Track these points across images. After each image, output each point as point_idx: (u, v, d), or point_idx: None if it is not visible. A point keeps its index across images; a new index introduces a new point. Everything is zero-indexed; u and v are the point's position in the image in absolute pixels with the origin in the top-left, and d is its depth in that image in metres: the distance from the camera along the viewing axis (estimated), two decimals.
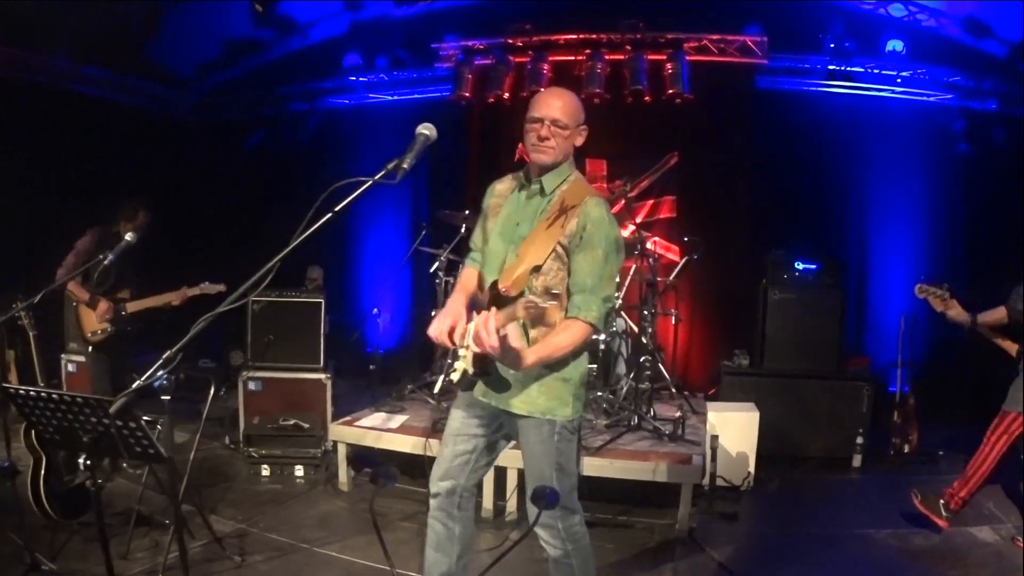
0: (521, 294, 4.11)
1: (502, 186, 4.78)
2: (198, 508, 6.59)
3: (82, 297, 8.03)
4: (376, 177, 3.45)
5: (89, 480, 4.38)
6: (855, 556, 7.12)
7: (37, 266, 8.09)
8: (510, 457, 7.44)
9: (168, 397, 3.47)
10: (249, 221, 13.29)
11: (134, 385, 3.43)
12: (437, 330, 4.30)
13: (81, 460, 4.37)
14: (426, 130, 3.60)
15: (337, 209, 3.39)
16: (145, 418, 4.06)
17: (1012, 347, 7.25)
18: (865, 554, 7.16)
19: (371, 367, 11.77)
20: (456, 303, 4.50)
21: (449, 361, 4.62)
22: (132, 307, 8.21)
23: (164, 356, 3.33)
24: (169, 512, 6.47)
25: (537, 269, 4.27)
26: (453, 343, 4.28)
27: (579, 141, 4.51)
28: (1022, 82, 12.04)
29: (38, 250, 9.33)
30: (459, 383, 4.40)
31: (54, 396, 4.12)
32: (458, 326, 4.29)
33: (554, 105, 4.36)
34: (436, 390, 4.81)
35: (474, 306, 4.51)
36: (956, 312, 7.11)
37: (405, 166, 3.47)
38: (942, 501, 7.36)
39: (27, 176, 11.22)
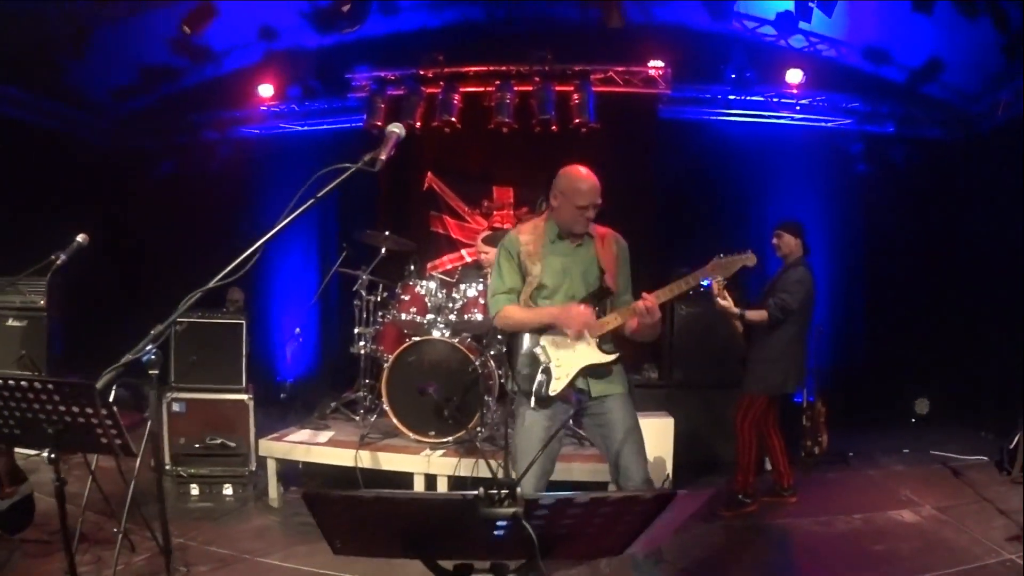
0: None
1: (526, 237, 5.72)
2: (145, 520, 6.37)
3: None
4: (357, 165, 3.68)
5: (54, 478, 4.29)
6: (781, 541, 7.76)
7: None
8: (441, 464, 7.85)
9: (156, 371, 3.54)
10: (159, 250, 13.30)
11: (123, 359, 3.40)
12: (585, 317, 5.41)
13: (45, 454, 4.35)
14: (397, 128, 3.89)
15: (320, 195, 3.53)
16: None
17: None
18: (791, 539, 7.76)
19: (282, 396, 11.82)
20: (562, 306, 5.52)
21: (542, 378, 5.31)
22: None
23: (152, 332, 3.38)
24: (109, 528, 6.40)
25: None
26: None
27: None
28: (919, 104, 12.92)
29: None
30: (559, 393, 5.46)
31: (22, 383, 3.98)
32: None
33: (595, 191, 5.50)
34: (533, 403, 5.45)
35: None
36: (728, 304, 8.03)
37: (383, 157, 3.74)
38: (739, 496, 8.43)
39: None
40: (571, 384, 5.50)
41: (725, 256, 5.61)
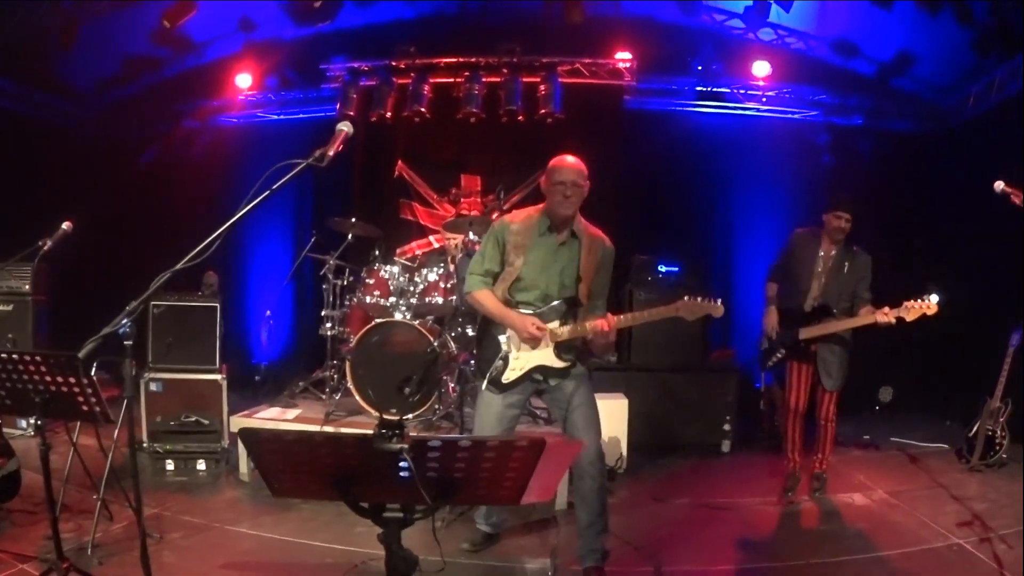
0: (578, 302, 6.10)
1: (517, 226, 6.18)
2: (123, 491, 6.97)
3: None
4: (307, 161, 4.09)
5: (39, 443, 4.87)
6: (731, 519, 8.00)
7: None
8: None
9: (130, 342, 4.10)
10: (142, 236, 13.46)
11: (102, 332, 3.93)
12: (537, 328, 5.96)
13: (32, 421, 4.96)
14: (345, 126, 4.31)
15: (275, 187, 3.99)
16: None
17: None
18: (742, 517, 8.06)
19: (257, 377, 12.25)
20: (522, 316, 6.06)
21: (499, 364, 6.04)
22: None
23: (127, 308, 3.91)
24: (89, 499, 7.01)
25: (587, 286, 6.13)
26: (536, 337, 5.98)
27: (585, 192, 6.05)
28: (889, 97, 13.31)
29: None
30: (515, 381, 6.14)
31: (14, 356, 4.59)
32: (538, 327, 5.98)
33: (573, 171, 5.98)
34: (486, 385, 6.12)
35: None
36: (887, 317, 7.46)
37: (330, 153, 4.15)
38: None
39: None
40: (526, 376, 6.12)
41: (692, 299, 5.96)
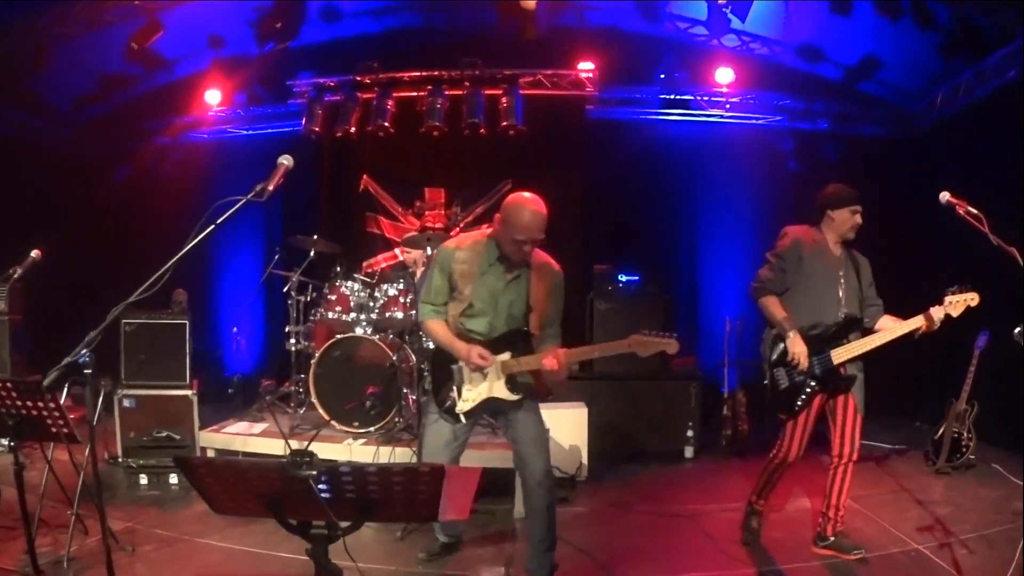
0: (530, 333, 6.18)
1: (463, 253, 6.23)
2: (96, 505, 7.07)
3: None
4: (248, 196, 4.32)
5: (12, 462, 5.25)
6: (691, 527, 8.14)
7: None
8: (362, 452, 8.91)
9: (90, 371, 4.45)
10: (116, 253, 13.73)
11: (63, 361, 4.20)
12: (482, 357, 6.02)
13: (6, 442, 5.39)
14: (285, 160, 4.56)
15: (219, 221, 4.25)
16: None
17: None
18: (702, 525, 8.17)
19: (230, 391, 12.69)
20: (468, 345, 6.11)
21: (453, 395, 6.16)
22: None
23: (87, 338, 4.20)
24: (65, 514, 7.22)
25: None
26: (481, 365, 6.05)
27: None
28: (856, 102, 13.60)
29: None
30: (469, 412, 6.24)
31: None
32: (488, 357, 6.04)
33: (536, 227, 5.90)
34: (440, 413, 6.38)
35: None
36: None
37: (270, 188, 4.38)
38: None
39: None
40: (479, 407, 6.23)
41: (646, 335, 5.82)
